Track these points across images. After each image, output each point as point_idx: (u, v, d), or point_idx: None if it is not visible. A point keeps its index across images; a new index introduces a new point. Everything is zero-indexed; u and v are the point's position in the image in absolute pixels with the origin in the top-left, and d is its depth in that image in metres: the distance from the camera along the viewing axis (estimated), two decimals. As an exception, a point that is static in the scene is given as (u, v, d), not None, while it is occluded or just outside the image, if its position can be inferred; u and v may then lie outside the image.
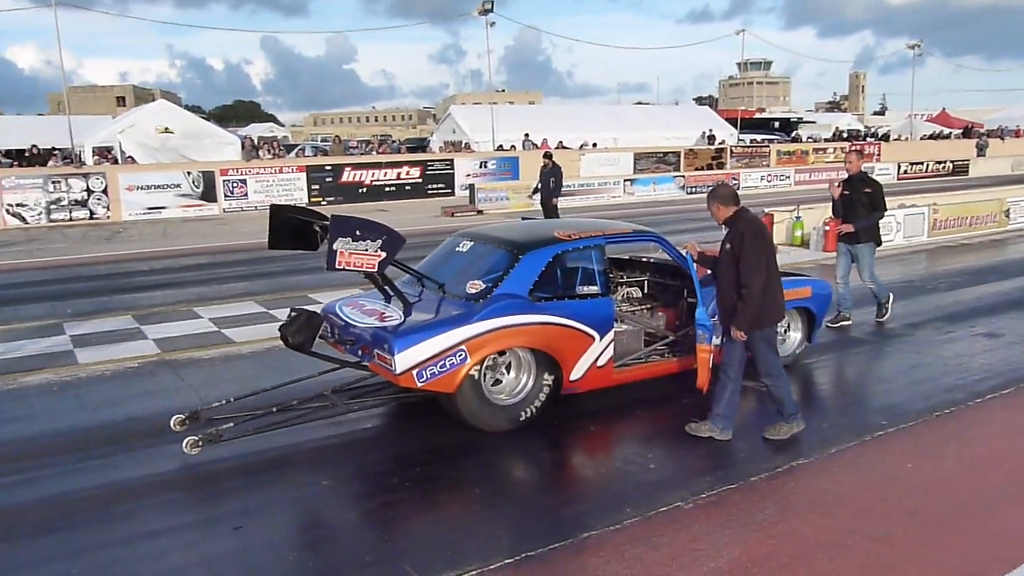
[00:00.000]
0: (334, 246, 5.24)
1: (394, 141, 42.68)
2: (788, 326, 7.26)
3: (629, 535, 4.35)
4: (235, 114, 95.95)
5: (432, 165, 27.89)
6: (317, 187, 25.39)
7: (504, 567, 4.05)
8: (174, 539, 4.48)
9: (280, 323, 5.68)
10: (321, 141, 43.41)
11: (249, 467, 5.34)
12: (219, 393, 6.49)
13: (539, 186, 17.16)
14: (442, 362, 5.42)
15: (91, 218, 22.02)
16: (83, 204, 22.22)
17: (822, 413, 6.29)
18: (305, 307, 5.83)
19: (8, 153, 28.33)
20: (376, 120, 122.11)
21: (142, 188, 22.82)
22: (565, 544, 4.27)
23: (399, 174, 26.92)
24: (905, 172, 34.15)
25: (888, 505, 4.67)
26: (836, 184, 8.97)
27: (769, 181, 31.02)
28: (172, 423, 5.68)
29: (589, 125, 35.58)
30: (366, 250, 5.33)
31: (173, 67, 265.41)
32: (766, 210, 15.65)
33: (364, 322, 5.89)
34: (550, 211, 16.99)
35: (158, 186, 23.12)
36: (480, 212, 23.20)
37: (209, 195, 23.78)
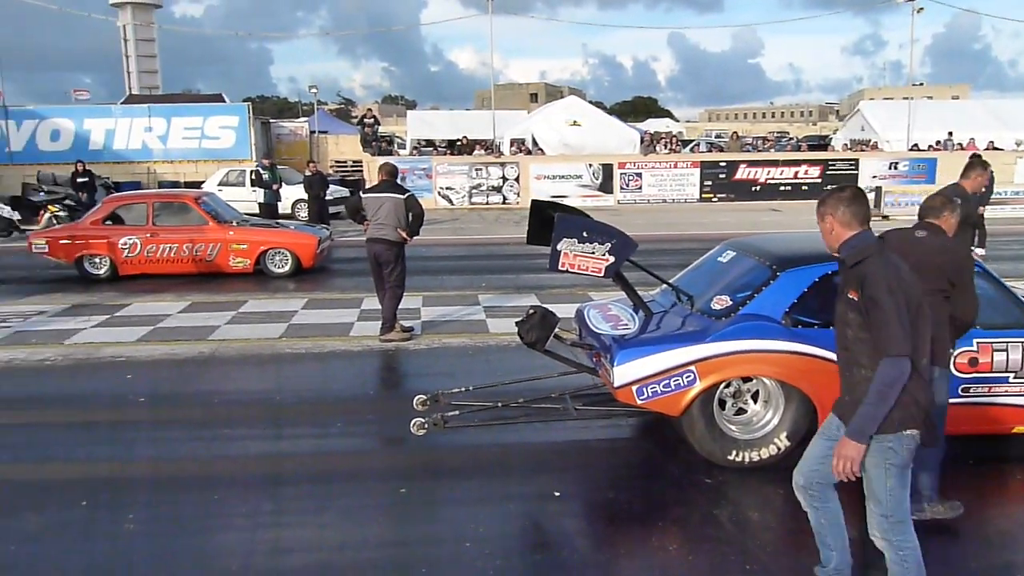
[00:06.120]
0: (558, 247, 5.14)
1: (791, 138, 40.87)
2: None
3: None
4: (633, 109, 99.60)
5: (834, 164, 26.30)
6: (709, 183, 25.41)
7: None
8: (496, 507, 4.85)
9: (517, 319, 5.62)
10: (716, 137, 43.15)
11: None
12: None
13: (964, 192, 15.20)
14: (667, 381, 5.01)
15: (504, 203, 24.48)
16: (498, 190, 24.81)
17: None
18: (542, 305, 5.70)
19: (431, 143, 32.57)
20: (773, 116, 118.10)
21: (548, 178, 24.81)
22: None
23: (796, 173, 25.82)
24: None
25: None
26: None
27: None
28: (415, 403, 5.83)
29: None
30: (592, 253, 5.17)
31: (586, 65, 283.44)
32: None
33: (600, 327, 5.65)
34: (976, 221, 14.95)
35: (562, 176, 24.95)
36: (886, 218, 21.23)
37: (606, 187, 25.07)
